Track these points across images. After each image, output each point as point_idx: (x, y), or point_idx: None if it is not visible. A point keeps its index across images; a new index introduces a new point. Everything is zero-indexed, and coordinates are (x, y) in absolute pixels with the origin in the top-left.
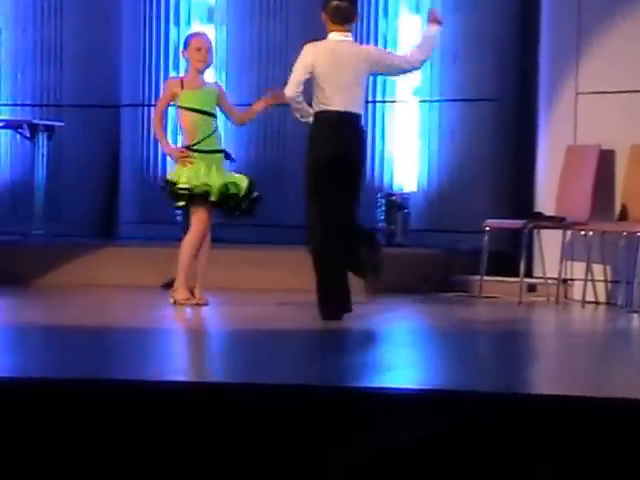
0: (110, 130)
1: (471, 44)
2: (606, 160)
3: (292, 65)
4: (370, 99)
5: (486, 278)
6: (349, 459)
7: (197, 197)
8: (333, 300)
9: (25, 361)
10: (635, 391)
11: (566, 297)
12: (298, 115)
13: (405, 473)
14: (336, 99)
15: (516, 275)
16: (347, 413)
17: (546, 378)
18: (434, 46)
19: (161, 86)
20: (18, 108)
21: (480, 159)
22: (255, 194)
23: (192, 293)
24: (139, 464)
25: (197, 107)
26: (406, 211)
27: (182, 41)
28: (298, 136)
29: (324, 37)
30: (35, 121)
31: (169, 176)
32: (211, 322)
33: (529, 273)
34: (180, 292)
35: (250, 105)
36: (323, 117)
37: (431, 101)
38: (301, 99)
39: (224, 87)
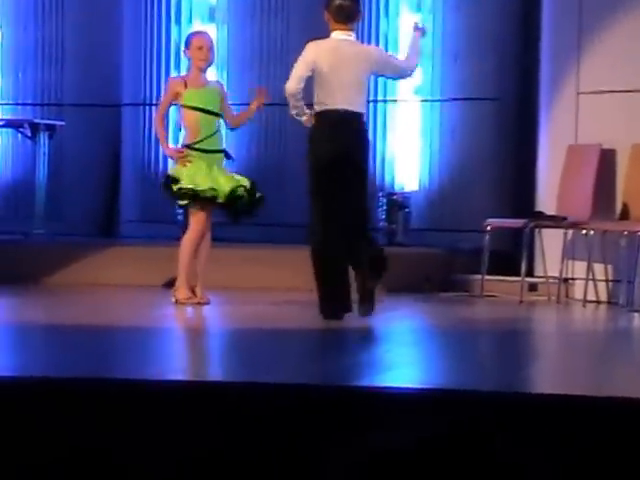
0: (111, 129)
1: (472, 43)
2: (607, 159)
3: (293, 63)
4: (371, 98)
5: (487, 277)
6: (350, 458)
7: (201, 198)
8: (334, 299)
9: (26, 360)
10: (636, 390)
11: (567, 296)
12: (294, 112)
13: (406, 472)
14: (337, 98)
15: (517, 274)
16: (348, 412)
17: (547, 377)
18: (420, 55)
19: (162, 85)
20: (19, 107)
21: (481, 158)
22: (258, 195)
23: (193, 292)
24: (140, 463)
25: (201, 106)
26: (407, 210)
27: (183, 40)
28: (299, 135)
29: (325, 36)
30: (36, 120)
31: (170, 172)
32: (212, 321)
33: (530, 272)
34: (181, 291)
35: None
36: (324, 117)
37: (432, 100)
38: (301, 96)
39: (225, 86)
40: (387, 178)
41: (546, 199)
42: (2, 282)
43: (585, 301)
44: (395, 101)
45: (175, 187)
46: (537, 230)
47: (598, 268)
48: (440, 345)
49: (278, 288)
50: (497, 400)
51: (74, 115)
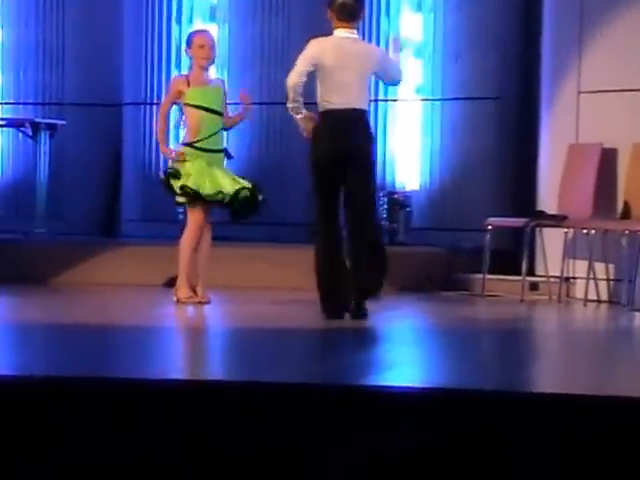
0: (112, 128)
1: (473, 42)
2: (608, 158)
3: (295, 62)
4: (372, 98)
5: (488, 276)
6: (352, 457)
7: (202, 200)
8: (335, 299)
9: (27, 359)
10: (637, 389)
11: (568, 295)
12: (292, 106)
13: (408, 471)
14: (340, 96)
15: (518, 273)
16: (349, 411)
17: (548, 377)
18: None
19: (163, 84)
20: (20, 106)
21: (482, 157)
22: (260, 197)
23: (194, 291)
24: (141, 463)
25: (204, 105)
26: (408, 209)
27: (184, 39)
28: (300, 135)
29: (327, 35)
30: (37, 120)
31: (172, 166)
32: (214, 320)
33: (531, 271)
34: (182, 291)
35: (253, 103)
36: (327, 117)
37: (433, 100)
38: (301, 91)
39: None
40: (388, 177)
41: (547, 198)
42: (3, 281)
43: (586, 300)
44: (396, 100)
45: (177, 184)
46: (538, 229)
47: (599, 267)
48: (441, 344)
49: (280, 287)
50: (498, 399)
51: (75, 114)
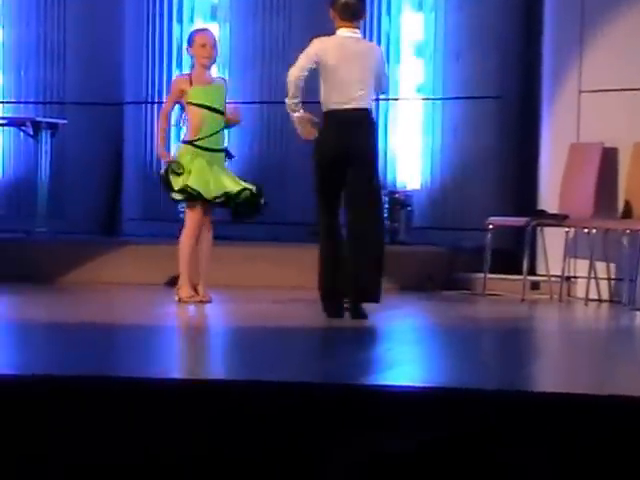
0: (113, 128)
1: (474, 41)
2: (609, 158)
3: (295, 58)
4: (373, 97)
5: (489, 276)
6: (353, 457)
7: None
8: (336, 298)
9: (28, 358)
10: (638, 389)
11: (569, 295)
12: (291, 102)
13: (409, 470)
14: (343, 95)
15: (519, 273)
16: (350, 410)
17: (549, 376)
18: None
19: (164, 83)
20: (21, 106)
21: (483, 157)
22: (262, 201)
23: (196, 290)
24: (143, 462)
25: (207, 104)
26: (409, 209)
27: (185, 39)
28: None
29: (326, 34)
30: (38, 119)
31: (174, 161)
32: (215, 320)
33: (532, 271)
34: (184, 290)
35: (253, 102)
36: (331, 117)
37: (434, 99)
38: (302, 85)
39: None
40: (389, 176)
41: (548, 197)
42: (4, 280)
43: (587, 299)
44: (397, 99)
45: (177, 181)
46: (539, 228)
47: (600, 266)
48: (442, 343)
49: (280, 286)
50: (499, 399)
51: (76, 113)
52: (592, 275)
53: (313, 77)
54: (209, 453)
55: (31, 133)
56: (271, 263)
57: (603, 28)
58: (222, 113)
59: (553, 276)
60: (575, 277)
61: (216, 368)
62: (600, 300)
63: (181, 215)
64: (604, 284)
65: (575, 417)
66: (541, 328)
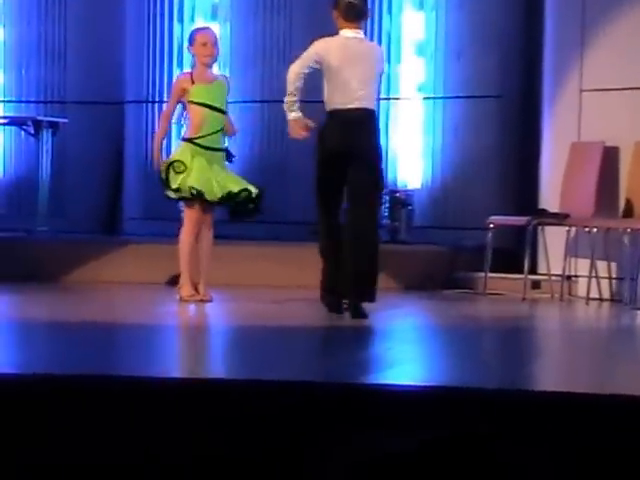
0: (114, 127)
1: (475, 41)
2: (610, 157)
3: (296, 57)
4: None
5: (490, 275)
6: (353, 456)
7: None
8: (336, 293)
9: (29, 357)
10: (639, 388)
11: (570, 294)
12: (290, 100)
13: (410, 469)
14: (346, 95)
15: (520, 272)
16: (351, 410)
17: (550, 375)
18: None
19: (165, 83)
20: (22, 105)
21: (484, 156)
22: (261, 202)
23: (196, 289)
24: (143, 461)
25: (208, 102)
26: (410, 208)
27: (186, 38)
28: (314, 130)
29: (328, 33)
30: (39, 118)
31: (178, 161)
32: (215, 319)
33: (533, 270)
34: (185, 289)
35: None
36: (335, 116)
37: (435, 98)
38: (301, 84)
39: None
40: (390, 175)
41: (549, 196)
42: (5, 279)
43: (588, 299)
44: (398, 99)
45: (177, 179)
46: (540, 227)
47: (601, 265)
48: (443, 343)
49: (281, 285)
50: (500, 398)
51: (77, 112)
52: (593, 274)
53: (314, 77)
54: (210, 452)
55: (32, 132)
56: (272, 262)
57: (604, 27)
58: (223, 112)
59: (554, 275)
60: (576, 276)
61: (216, 367)
62: (601, 299)
63: (182, 214)
64: (605, 283)
65: (576, 416)
66: (542, 327)
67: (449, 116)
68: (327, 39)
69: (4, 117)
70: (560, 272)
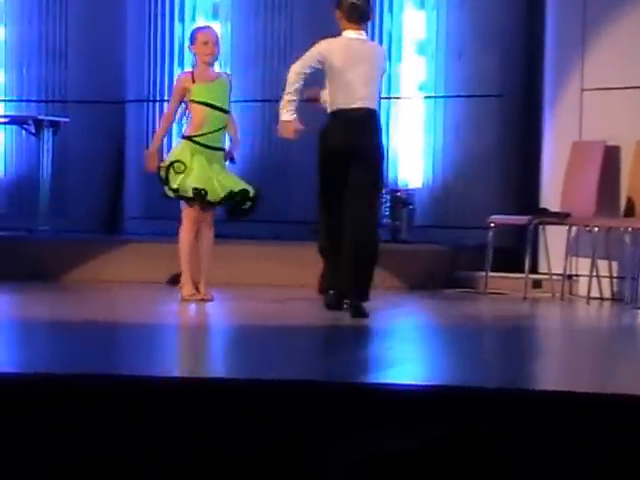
0: (115, 126)
1: (476, 40)
2: (611, 156)
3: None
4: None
5: (491, 274)
6: (354, 455)
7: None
8: (335, 289)
9: (30, 356)
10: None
11: (571, 293)
12: (286, 98)
13: (410, 468)
14: (349, 95)
15: (521, 271)
16: (351, 409)
17: (551, 374)
18: None
19: (166, 82)
20: (23, 104)
21: (485, 155)
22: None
23: (197, 289)
24: (145, 460)
25: (209, 101)
26: (411, 207)
27: (187, 37)
28: (302, 133)
29: (328, 33)
30: (40, 117)
31: (178, 161)
32: (216, 318)
33: (534, 269)
34: (186, 288)
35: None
36: (338, 116)
37: (436, 97)
38: (300, 85)
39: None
40: (391, 175)
41: (550, 196)
42: (6, 279)
43: (589, 298)
44: (399, 98)
45: (177, 178)
46: (541, 227)
47: (602, 265)
48: (444, 342)
49: (282, 284)
50: (501, 397)
51: (78, 112)
52: (594, 273)
53: (315, 77)
54: (210, 451)
55: (33, 131)
56: (273, 261)
57: (606, 26)
58: (225, 111)
59: (555, 274)
60: (577, 275)
61: (217, 367)
62: (602, 298)
63: (182, 213)
64: (606, 282)
65: (577, 416)
66: (543, 326)
67: (450, 115)
68: (330, 40)
69: (5, 116)
70: (561, 271)
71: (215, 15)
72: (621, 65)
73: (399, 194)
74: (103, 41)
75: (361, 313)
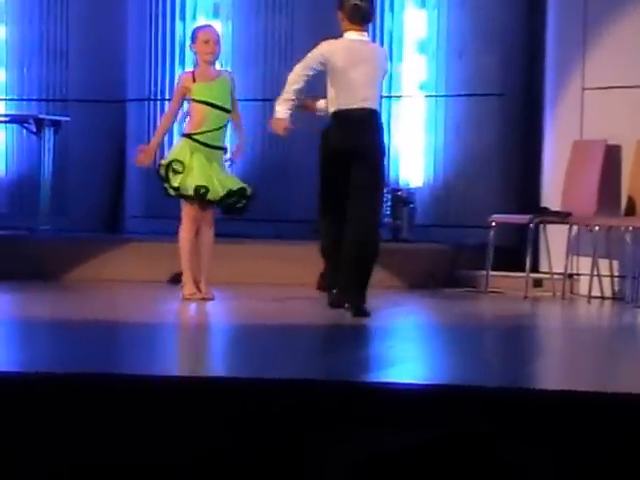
0: (116, 125)
1: (477, 39)
2: (612, 155)
3: (299, 58)
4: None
5: (492, 273)
6: (354, 454)
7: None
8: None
9: (31, 356)
10: None
11: (572, 292)
12: (284, 97)
13: (411, 468)
14: (351, 96)
15: (522, 270)
16: (352, 408)
17: (551, 373)
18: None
19: (167, 81)
20: (24, 103)
21: (486, 154)
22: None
23: (198, 287)
24: (145, 460)
25: (210, 100)
26: (412, 206)
27: (188, 36)
28: (304, 133)
29: (329, 32)
30: (41, 116)
31: (176, 161)
32: (216, 317)
33: (535, 268)
34: (187, 287)
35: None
36: (340, 116)
37: (437, 96)
38: (299, 87)
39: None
40: (392, 174)
41: (551, 195)
42: (7, 278)
43: (590, 297)
44: (400, 97)
45: (177, 179)
46: (542, 226)
47: (603, 264)
48: (445, 341)
49: (283, 284)
50: (501, 396)
51: (79, 111)
52: (595, 272)
53: (316, 78)
54: (211, 450)
55: (34, 130)
56: (273, 260)
57: (607, 25)
58: (226, 110)
59: (556, 273)
60: (578, 274)
61: (218, 366)
62: (603, 297)
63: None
64: (607, 281)
65: (577, 415)
66: (544, 325)
67: (451, 114)
68: (332, 41)
69: (6, 115)
70: (562, 270)
71: (216, 14)
72: (622, 64)
73: (400, 193)
74: (104, 40)
75: (362, 312)
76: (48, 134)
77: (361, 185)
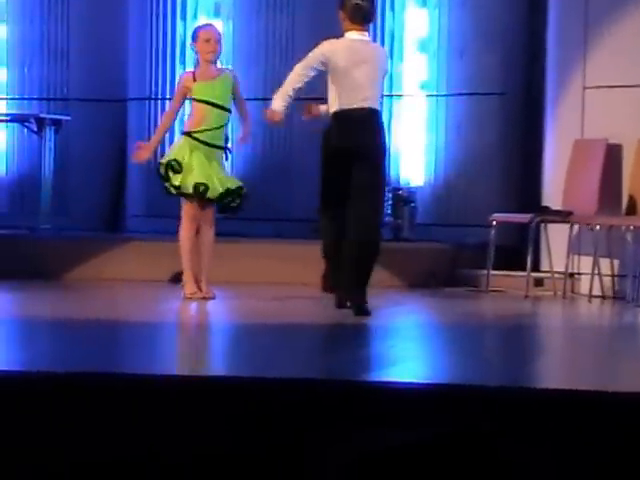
0: (117, 124)
1: (478, 38)
2: (613, 154)
3: (300, 57)
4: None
5: (493, 272)
6: (355, 453)
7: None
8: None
9: (33, 355)
10: None
11: (573, 291)
12: (281, 94)
13: (411, 467)
14: (352, 96)
15: (523, 269)
16: (352, 407)
17: (552, 372)
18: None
19: (168, 80)
20: (25, 102)
21: (487, 153)
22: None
23: (199, 287)
24: (147, 458)
25: (211, 100)
26: (413, 205)
27: (189, 35)
28: (304, 133)
29: (330, 32)
30: (42, 115)
31: (175, 161)
32: (217, 316)
33: (536, 267)
34: (188, 287)
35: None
36: (341, 116)
37: (438, 95)
38: (299, 87)
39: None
40: (393, 173)
41: (552, 194)
42: (8, 277)
43: (591, 296)
44: (401, 96)
45: (177, 178)
46: (543, 225)
47: (604, 263)
48: (445, 340)
49: (284, 283)
50: (502, 395)
51: (80, 110)
52: (596, 271)
53: (316, 78)
54: (212, 449)
55: (35, 130)
56: (274, 260)
57: (608, 25)
58: (226, 109)
59: (557, 272)
60: (579, 273)
61: (218, 365)
62: (604, 297)
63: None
64: (608, 281)
65: (578, 414)
66: (544, 325)
67: (452, 113)
68: (333, 41)
69: (7, 115)
70: (563, 269)
71: (217, 13)
72: (623, 63)
73: (401, 192)
74: (105, 39)
75: (364, 311)
76: (49, 133)
77: (362, 185)
